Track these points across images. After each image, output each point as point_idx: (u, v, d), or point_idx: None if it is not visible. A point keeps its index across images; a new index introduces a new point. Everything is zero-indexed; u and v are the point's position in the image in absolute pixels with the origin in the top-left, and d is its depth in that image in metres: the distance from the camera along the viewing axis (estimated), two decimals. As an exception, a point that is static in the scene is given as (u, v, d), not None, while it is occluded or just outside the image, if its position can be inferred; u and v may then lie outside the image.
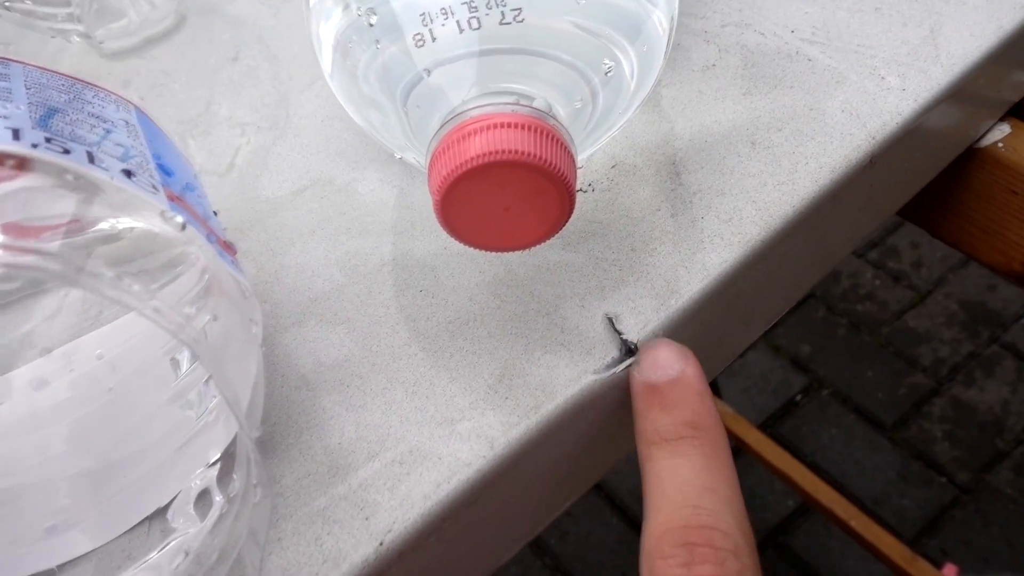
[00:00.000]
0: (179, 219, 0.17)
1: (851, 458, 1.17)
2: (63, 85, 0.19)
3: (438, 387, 0.22)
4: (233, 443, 0.19)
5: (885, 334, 1.29)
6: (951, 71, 0.27)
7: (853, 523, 0.95)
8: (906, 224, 1.02)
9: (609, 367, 0.22)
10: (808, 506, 1.06)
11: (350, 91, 0.23)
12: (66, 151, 0.16)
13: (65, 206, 0.16)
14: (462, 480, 0.20)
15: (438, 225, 0.20)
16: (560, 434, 0.21)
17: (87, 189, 0.16)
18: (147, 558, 0.18)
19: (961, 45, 0.27)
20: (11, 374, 0.19)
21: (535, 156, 0.18)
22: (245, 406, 0.18)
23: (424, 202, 0.27)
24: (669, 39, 0.23)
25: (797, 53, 0.29)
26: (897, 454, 1.16)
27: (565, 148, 0.19)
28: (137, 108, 0.21)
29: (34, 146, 0.15)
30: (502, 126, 0.18)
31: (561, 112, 0.20)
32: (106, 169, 0.16)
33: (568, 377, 0.22)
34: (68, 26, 0.34)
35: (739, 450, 1.18)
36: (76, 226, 0.16)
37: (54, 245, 0.15)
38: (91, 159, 0.16)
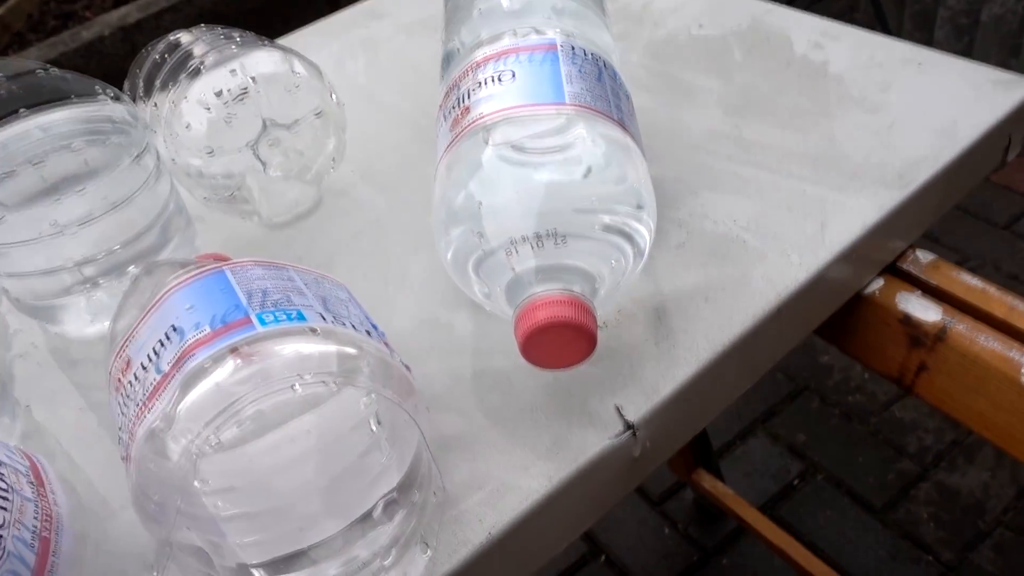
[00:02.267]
0: (396, 357, 0.33)
1: (845, 538, 1.28)
2: (316, 280, 0.35)
3: (517, 448, 0.37)
4: (405, 476, 0.34)
5: (874, 423, 1.42)
6: (831, 252, 0.43)
7: (845, 596, 1.06)
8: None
9: (617, 436, 0.37)
10: (805, 580, 1.17)
11: (461, 274, 0.39)
12: (343, 324, 0.32)
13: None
14: (533, 501, 0.35)
15: (511, 348, 0.36)
16: (588, 477, 0.37)
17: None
18: (366, 538, 0.32)
19: (840, 235, 0.44)
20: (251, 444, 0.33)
21: (575, 319, 0.34)
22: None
23: (498, 332, 0.42)
24: (650, 239, 0.39)
25: (736, 237, 0.45)
26: (887, 534, 1.28)
27: (590, 313, 0.35)
28: (347, 288, 0.37)
29: (331, 322, 0.31)
30: (556, 303, 0.34)
31: (588, 291, 0.36)
32: (360, 332, 0.32)
33: (592, 442, 0.37)
34: (254, 208, 0.51)
35: (741, 530, 1.30)
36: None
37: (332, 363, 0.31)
38: (354, 328, 0.32)
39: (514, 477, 0.36)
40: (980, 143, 0.48)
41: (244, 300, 0.31)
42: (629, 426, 0.37)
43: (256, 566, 0.29)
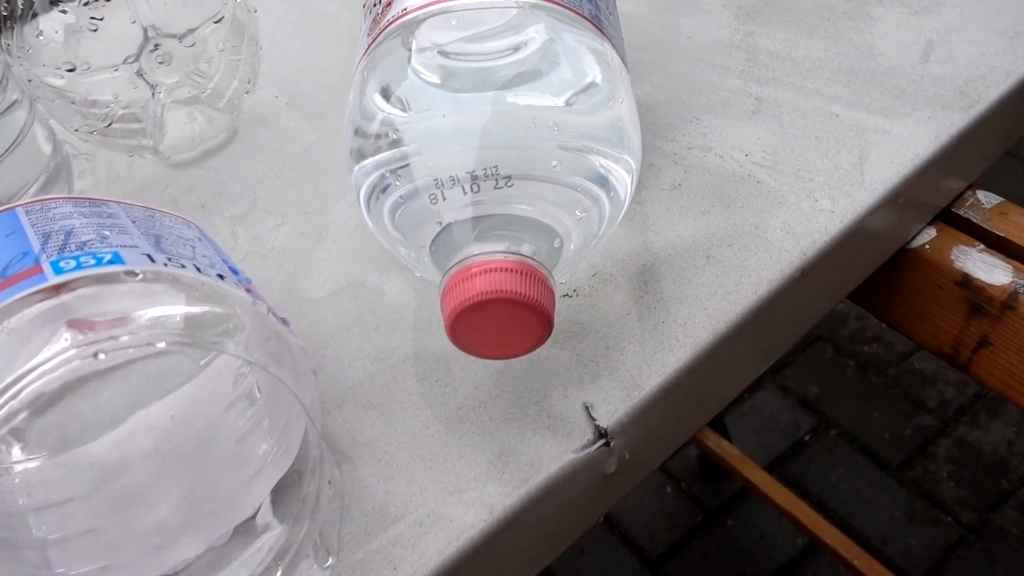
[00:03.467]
0: (264, 306, 0.23)
1: (858, 497, 1.20)
2: (150, 216, 0.26)
3: (450, 462, 0.28)
4: (291, 467, 0.25)
5: (892, 375, 1.33)
6: (872, 195, 0.32)
7: (858, 562, 0.99)
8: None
9: (585, 447, 0.27)
10: (815, 546, 1.10)
11: (380, 228, 0.29)
12: (182, 266, 0.22)
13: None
14: (468, 539, 0.26)
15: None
16: (546, 501, 0.27)
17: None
18: (243, 555, 0.24)
19: (883, 172, 0.33)
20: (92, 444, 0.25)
21: (520, 294, 0.24)
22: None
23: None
24: (632, 184, 0.29)
25: (748, 175, 0.34)
26: (903, 494, 1.20)
27: (544, 283, 0.25)
28: (196, 225, 0.28)
29: (165, 265, 0.22)
30: (496, 270, 0.24)
31: (544, 251, 0.26)
32: (208, 276, 0.22)
33: (552, 455, 0.27)
34: (142, 142, 0.41)
35: (746, 491, 1.22)
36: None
37: (177, 325, 0.22)
38: (198, 270, 0.22)
39: (444, 504, 0.26)
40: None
41: (37, 245, 0.22)
42: (602, 434, 0.28)
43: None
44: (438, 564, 0.25)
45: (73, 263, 0.21)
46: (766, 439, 1.29)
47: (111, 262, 0.22)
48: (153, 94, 0.39)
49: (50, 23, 0.35)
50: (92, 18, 0.35)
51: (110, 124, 0.39)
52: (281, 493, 0.26)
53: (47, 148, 0.38)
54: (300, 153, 0.42)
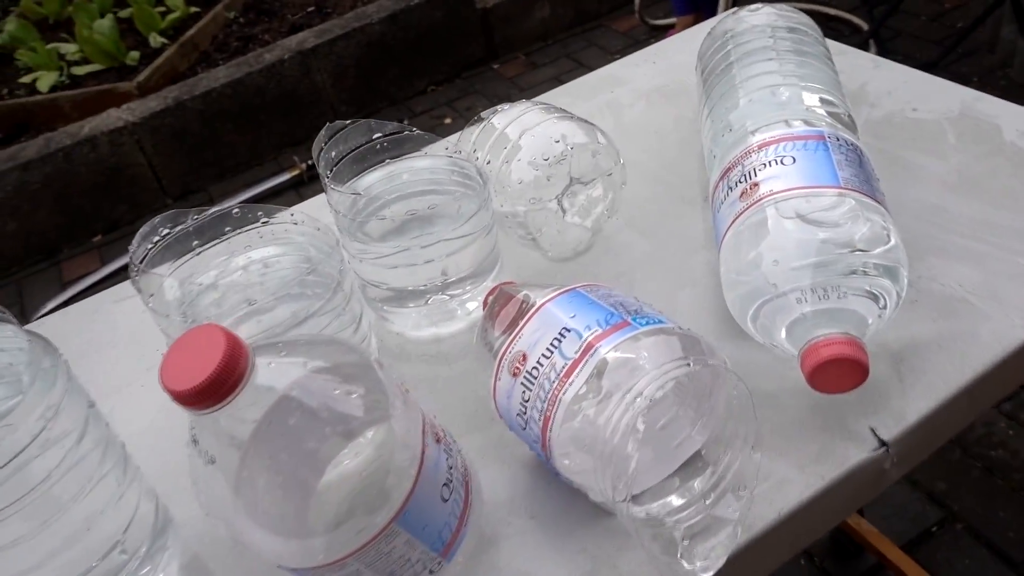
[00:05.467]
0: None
1: (983, 587, 1.32)
2: (633, 297, 0.47)
3: (792, 451, 0.48)
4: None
5: (1017, 479, 1.45)
6: (1048, 317, 0.52)
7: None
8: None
9: (874, 451, 0.47)
10: (944, 621, 1.22)
11: (742, 313, 0.50)
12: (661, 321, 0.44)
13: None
14: (812, 492, 0.46)
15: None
16: (849, 479, 0.47)
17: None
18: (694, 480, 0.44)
19: (1054, 303, 0.53)
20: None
21: (855, 356, 0.45)
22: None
23: (761, 360, 0.53)
24: (901, 296, 0.49)
25: (963, 299, 0.54)
26: (1027, 588, 1.31)
27: (864, 351, 0.45)
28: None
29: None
30: (842, 343, 0.45)
31: (859, 335, 0.47)
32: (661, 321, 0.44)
33: (852, 454, 0.47)
34: (541, 245, 0.64)
35: (879, 567, 1.36)
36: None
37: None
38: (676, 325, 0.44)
39: (793, 473, 0.47)
40: None
41: (614, 309, 0.44)
42: (883, 443, 0.47)
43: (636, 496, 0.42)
44: (795, 504, 0.45)
45: (644, 321, 0.43)
46: (895, 525, 1.42)
47: (658, 322, 0.43)
48: (564, 216, 0.62)
49: (526, 174, 0.59)
50: (550, 173, 0.59)
51: (533, 237, 0.62)
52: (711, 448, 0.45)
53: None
54: (638, 259, 0.64)
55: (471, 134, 0.63)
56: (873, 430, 0.48)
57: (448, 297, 0.57)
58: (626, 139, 0.76)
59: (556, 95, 0.85)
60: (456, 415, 0.52)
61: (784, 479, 0.46)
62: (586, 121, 0.62)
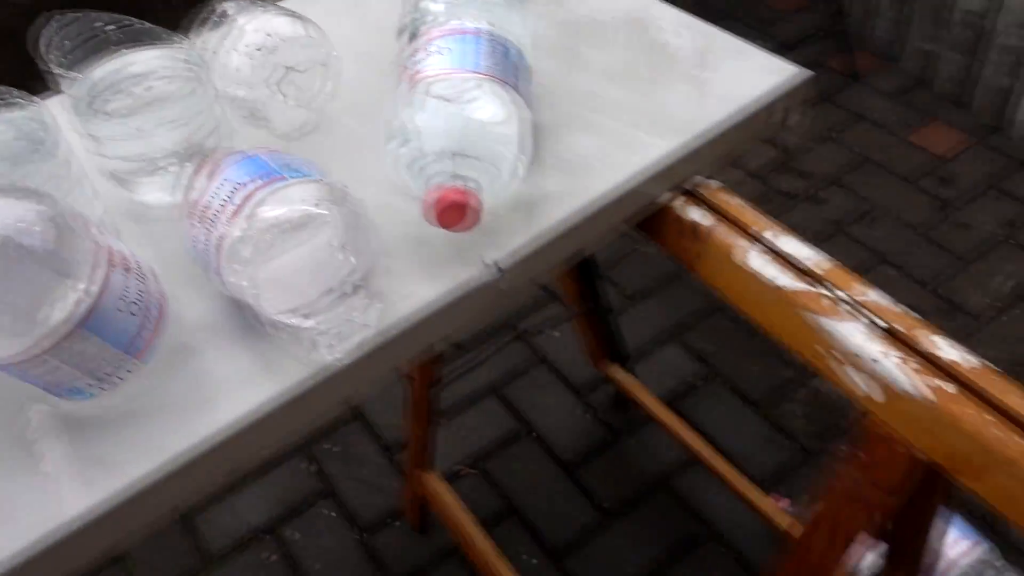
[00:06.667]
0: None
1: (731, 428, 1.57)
2: (302, 159, 0.60)
3: (420, 264, 0.63)
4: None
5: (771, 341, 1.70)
6: (644, 174, 0.68)
7: (726, 473, 1.35)
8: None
9: (489, 273, 0.63)
10: (695, 459, 1.46)
11: (397, 168, 0.64)
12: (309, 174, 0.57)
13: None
14: (450, 289, 0.61)
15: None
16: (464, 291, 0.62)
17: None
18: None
19: (647, 162, 0.69)
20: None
21: (467, 203, 0.59)
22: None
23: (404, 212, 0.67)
24: (524, 166, 0.64)
25: (587, 163, 0.70)
26: (765, 425, 1.57)
27: (478, 199, 0.60)
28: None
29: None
30: (458, 191, 0.59)
31: (483, 185, 0.61)
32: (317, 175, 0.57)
33: (472, 275, 0.63)
34: (269, 124, 0.75)
35: (647, 418, 1.58)
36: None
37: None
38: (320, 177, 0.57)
39: (425, 290, 0.61)
40: (756, 112, 0.73)
41: (279, 168, 0.57)
42: (500, 270, 0.63)
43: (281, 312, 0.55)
44: (437, 299, 0.60)
45: (296, 174, 0.56)
46: (666, 382, 1.65)
47: (308, 175, 0.56)
48: (284, 100, 0.73)
49: (243, 62, 0.69)
50: (264, 62, 0.70)
51: (256, 115, 0.73)
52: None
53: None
54: (352, 138, 0.77)
55: (204, 27, 0.73)
56: (496, 262, 0.63)
57: (178, 168, 0.69)
58: (363, 36, 0.88)
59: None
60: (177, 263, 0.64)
61: (413, 293, 0.61)
62: (301, 17, 0.73)
